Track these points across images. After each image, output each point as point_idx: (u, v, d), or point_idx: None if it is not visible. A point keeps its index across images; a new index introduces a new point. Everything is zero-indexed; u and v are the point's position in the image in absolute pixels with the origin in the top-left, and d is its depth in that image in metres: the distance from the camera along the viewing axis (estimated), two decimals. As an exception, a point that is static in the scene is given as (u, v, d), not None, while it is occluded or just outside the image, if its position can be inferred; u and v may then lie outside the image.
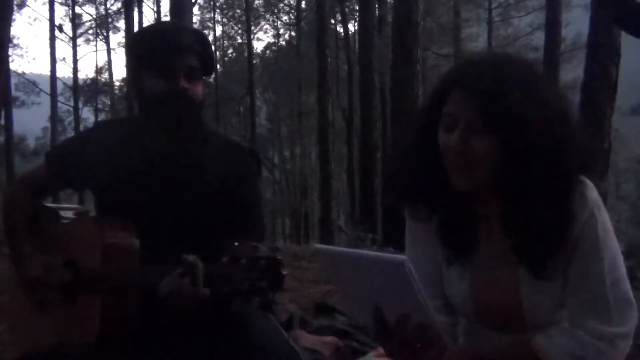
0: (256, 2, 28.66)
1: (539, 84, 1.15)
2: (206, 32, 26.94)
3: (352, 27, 23.15)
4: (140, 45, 1.51)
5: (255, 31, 29.03)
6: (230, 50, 31.58)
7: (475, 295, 1.23)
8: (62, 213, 1.64)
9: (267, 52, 31.92)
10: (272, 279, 1.13)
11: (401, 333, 1.04)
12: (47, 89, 25.84)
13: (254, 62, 27.45)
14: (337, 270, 1.13)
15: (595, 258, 1.14)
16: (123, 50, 23.07)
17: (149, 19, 26.40)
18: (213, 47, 1.61)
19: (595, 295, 1.13)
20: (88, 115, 31.51)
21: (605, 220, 1.16)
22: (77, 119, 28.06)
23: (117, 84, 31.36)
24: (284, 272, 1.14)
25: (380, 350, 1.37)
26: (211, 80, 23.01)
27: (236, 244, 1.16)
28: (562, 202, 1.13)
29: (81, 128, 26.47)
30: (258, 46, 42.85)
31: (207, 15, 30.15)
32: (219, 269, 1.15)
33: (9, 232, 1.63)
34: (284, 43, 30.80)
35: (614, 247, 1.16)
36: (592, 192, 1.16)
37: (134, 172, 1.52)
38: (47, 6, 26.67)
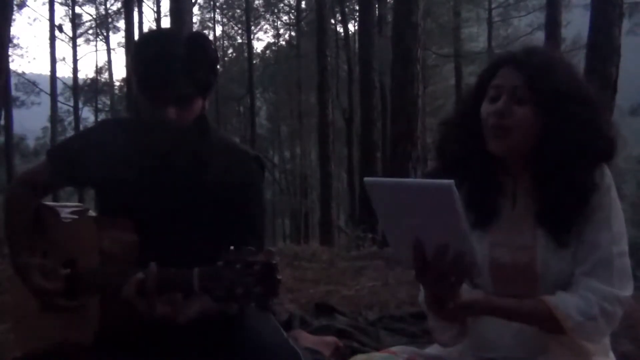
0: (256, 2, 28.67)
1: (579, 72, 1.33)
2: (206, 32, 26.93)
3: (352, 27, 23.18)
4: (136, 68, 1.46)
5: (255, 31, 29.05)
6: (230, 50, 31.56)
7: (493, 259, 1.30)
8: (63, 212, 1.64)
9: (267, 52, 31.93)
10: (267, 284, 1.12)
11: (439, 264, 1.11)
12: (47, 89, 25.84)
13: (254, 62, 27.44)
14: (383, 202, 1.15)
15: (605, 229, 1.25)
16: (123, 50, 23.09)
17: (149, 19, 26.44)
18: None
19: (601, 260, 1.23)
20: (88, 115, 31.52)
21: (616, 200, 1.28)
22: (77, 119, 28.05)
23: (117, 84, 31.42)
24: (279, 277, 1.13)
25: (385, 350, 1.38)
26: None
27: (232, 247, 1.15)
28: (590, 175, 1.24)
29: (81, 128, 26.48)
30: (258, 46, 42.89)
31: (207, 15, 30.19)
32: (214, 273, 1.15)
33: (9, 231, 1.63)
34: (284, 43, 30.82)
35: (621, 226, 1.27)
36: (609, 173, 1.28)
37: (135, 172, 1.51)
38: (47, 6, 26.75)
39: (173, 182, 1.52)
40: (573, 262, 1.25)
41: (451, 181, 1.03)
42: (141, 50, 1.48)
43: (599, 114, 1.28)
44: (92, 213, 1.64)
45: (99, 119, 29.72)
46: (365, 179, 1.13)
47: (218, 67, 1.52)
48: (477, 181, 1.33)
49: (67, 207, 1.67)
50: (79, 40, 29.47)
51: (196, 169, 1.52)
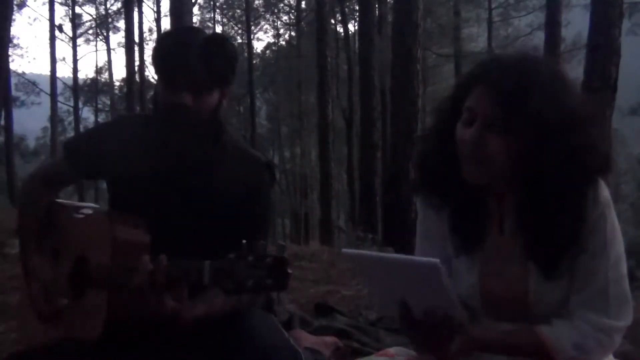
0: (256, 2, 28.68)
1: (563, 89, 1.15)
2: (206, 32, 26.87)
3: (352, 27, 23.20)
4: (155, 55, 1.52)
5: (255, 31, 29.06)
6: (230, 50, 31.49)
7: (484, 288, 1.25)
8: (76, 209, 1.65)
9: (267, 52, 31.94)
10: (278, 277, 1.13)
11: (428, 323, 1.09)
12: (47, 89, 25.85)
13: (254, 62, 27.45)
14: (364, 272, 1.16)
15: (601, 256, 1.18)
16: (123, 50, 23.04)
17: (149, 19, 26.45)
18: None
19: (597, 290, 1.17)
20: (88, 115, 31.56)
21: (613, 219, 1.20)
22: (77, 119, 28.08)
23: (117, 84, 31.44)
24: (290, 271, 1.14)
25: (383, 351, 1.37)
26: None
27: (244, 242, 1.16)
28: (577, 206, 1.15)
29: (81, 128, 26.50)
30: (258, 46, 42.79)
31: (207, 15, 30.20)
32: (225, 266, 1.16)
33: (21, 227, 1.65)
34: (284, 43, 30.83)
35: (619, 246, 1.20)
36: (604, 191, 1.19)
37: (148, 168, 1.53)
38: (47, 6, 26.71)
39: (184, 180, 1.53)
40: (568, 289, 1.20)
41: (437, 261, 1.02)
42: (162, 40, 1.56)
43: (588, 130, 1.16)
44: (104, 210, 1.65)
45: (99, 119, 29.77)
46: (343, 250, 1.11)
47: (234, 64, 1.54)
48: (459, 203, 1.26)
49: (79, 207, 1.68)
50: (79, 40, 29.54)
51: (208, 170, 1.54)
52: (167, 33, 1.71)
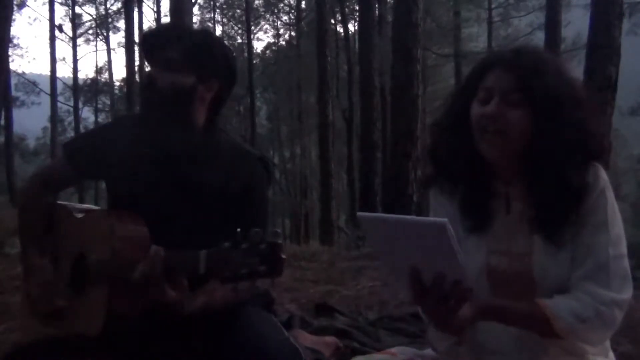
0: (256, 2, 28.69)
1: (569, 72, 1.29)
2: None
3: (352, 27, 23.20)
4: (143, 37, 1.64)
5: (255, 31, 29.07)
6: (230, 50, 31.50)
7: (490, 265, 1.30)
8: (76, 209, 1.65)
9: (267, 52, 31.95)
10: (272, 263, 1.13)
11: (438, 290, 1.11)
12: (47, 89, 25.85)
13: (254, 62, 27.45)
14: (377, 236, 1.17)
15: (602, 231, 1.23)
16: (123, 50, 23.05)
17: (149, 19, 26.41)
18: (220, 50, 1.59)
19: (598, 263, 1.22)
20: (88, 115, 31.54)
21: (613, 202, 1.26)
22: (77, 119, 28.07)
23: (117, 84, 31.44)
24: (284, 257, 1.15)
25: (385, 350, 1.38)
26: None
27: (238, 230, 1.17)
28: (581, 175, 1.23)
29: (81, 128, 26.51)
30: (258, 46, 42.89)
31: (207, 15, 30.21)
32: (221, 255, 1.17)
33: (22, 227, 1.65)
34: (284, 43, 30.83)
35: (619, 228, 1.25)
36: (604, 174, 1.27)
37: (144, 168, 1.54)
38: (47, 6, 26.77)
39: (179, 178, 1.54)
40: (571, 266, 1.24)
41: (445, 220, 1.05)
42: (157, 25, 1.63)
43: (590, 113, 1.27)
44: (103, 209, 1.66)
45: (99, 119, 29.77)
46: (358, 213, 1.14)
47: (222, 59, 1.56)
48: (470, 186, 1.33)
49: (80, 209, 1.68)
50: (79, 40, 29.53)
51: (203, 167, 1.55)
52: (162, 22, 1.82)
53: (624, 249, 1.24)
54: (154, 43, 1.56)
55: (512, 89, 1.22)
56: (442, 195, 1.38)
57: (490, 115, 1.23)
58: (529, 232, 1.27)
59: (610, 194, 1.26)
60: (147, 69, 1.60)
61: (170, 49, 1.51)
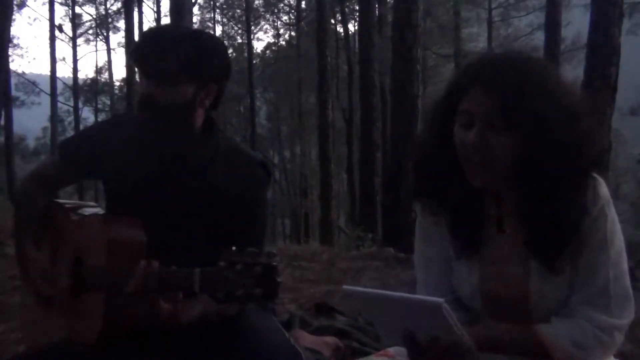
0: (256, 2, 28.68)
1: (557, 84, 1.17)
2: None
3: (352, 27, 23.17)
4: (133, 47, 1.54)
5: (255, 31, 29.06)
6: (230, 50, 31.54)
7: (485, 289, 1.25)
8: (73, 209, 1.64)
9: (267, 52, 31.92)
10: (267, 286, 1.12)
11: (434, 351, 1.08)
12: (47, 89, 25.83)
13: (254, 62, 27.45)
14: (368, 308, 1.15)
15: (601, 253, 1.17)
16: (123, 50, 23.09)
17: (149, 19, 26.43)
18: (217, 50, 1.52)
19: (598, 288, 1.17)
20: (88, 115, 31.52)
21: (613, 216, 1.20)
22: (77, 119, 28.06)
23: (117, 84, 31.44)
24: (279, 280, 1.13)
25: (383, 351, 1.37)
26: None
27: (234, 248, 1.15)
28: (578, 198, 1.16)
29: (81, 128, 26.46)
30: (258, 46, 42.90)
31: (207, 15, 30.20)
32: (215, 274, 1.15)
33: (17, 226, 1.64)
34: (284, 43, 30.81)
35: (619, 243, 1.19)
36: (603, 189, 1.19)
37: (141, 168, 1.52)
38: (47, 6, 26.72)
39: (177, 180, 1.52)
40: (569, 288, 1.20)
41: (441, 300, 1.00)
42: (143, 33, 1.56)
43: (585, 124, 1.17)
44: (101, 211, 1.64)
45: (99, 119, 29.74)
46: (344, 287, 1.09)
47: (218, 61, 1.50)
48: (457, 206, 1.25)
49: (78, 206, 1.67)
50: (79, 40, 29.53)
51: (201, 170, 1.53)
52: (150, 27, 1.72)
53: (624, 265, 1.19)
54: (145, 54, 1.46)
55: (494, 115, 1.12)
56: (428, 213, 1.31)
57: (472, 145, 1.14)
58: (524, 255, 1.21)
59: (609, 209, 1.19)
60: (139, 79, 1.51)
61: (164, 60, 1.43)
